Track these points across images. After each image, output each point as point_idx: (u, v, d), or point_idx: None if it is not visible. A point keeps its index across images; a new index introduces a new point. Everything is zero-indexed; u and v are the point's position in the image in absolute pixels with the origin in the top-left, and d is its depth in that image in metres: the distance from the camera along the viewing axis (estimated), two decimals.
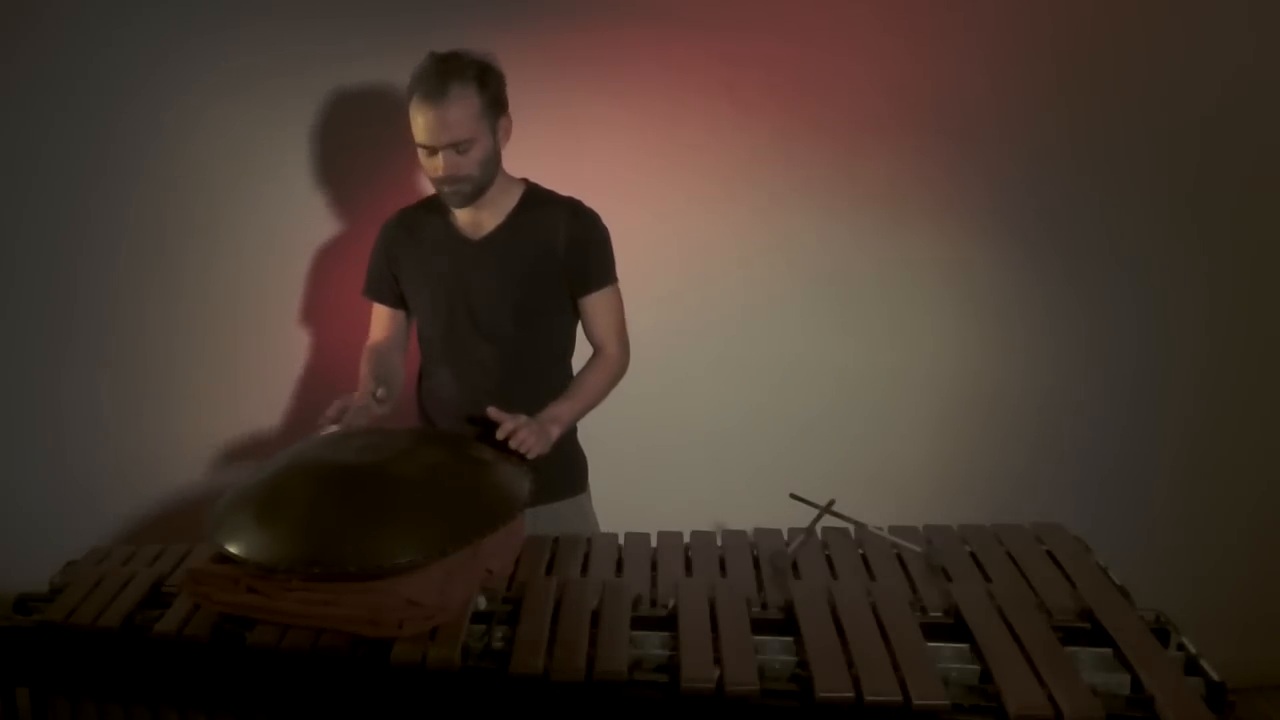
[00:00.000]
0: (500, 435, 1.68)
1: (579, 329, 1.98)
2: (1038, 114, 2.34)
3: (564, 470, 2.00)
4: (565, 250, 1.87)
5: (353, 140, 2.24)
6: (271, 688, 1.45)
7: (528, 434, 1.68)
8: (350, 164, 2.26)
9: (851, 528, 1.76)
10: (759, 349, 2.43)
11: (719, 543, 1.74)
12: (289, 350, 2.34)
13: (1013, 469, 2.49)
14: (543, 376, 1.95)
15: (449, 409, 1.96)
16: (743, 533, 1.78)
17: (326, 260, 2.31)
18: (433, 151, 1.77)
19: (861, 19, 2.27)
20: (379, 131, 2.23)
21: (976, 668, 1.33)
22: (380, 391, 1.79)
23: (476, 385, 1.91)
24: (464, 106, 1.74)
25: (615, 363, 1.93)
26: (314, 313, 2.34)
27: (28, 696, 1.60)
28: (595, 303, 1.92)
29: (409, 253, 1.95)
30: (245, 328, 2.32)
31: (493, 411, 1.70)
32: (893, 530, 1.74)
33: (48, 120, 2.18)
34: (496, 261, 1.88)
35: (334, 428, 1.73)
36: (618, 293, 1.94)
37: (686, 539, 1.76)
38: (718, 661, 1.34)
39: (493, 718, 1.38)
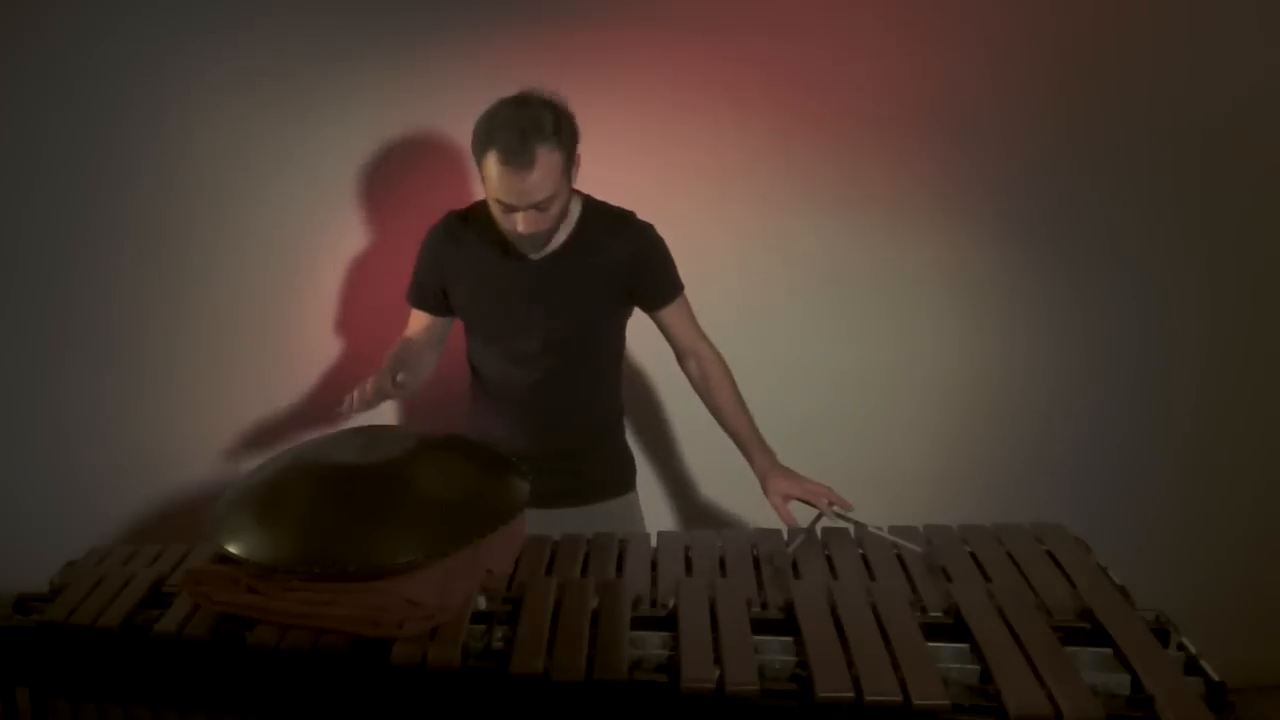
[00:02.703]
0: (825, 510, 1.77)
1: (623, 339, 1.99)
2: (1039, 114, 2.34)
3: (614, 469, 2.03)
4: (630, 269, 1.86)
5: (353, 139, 2.24)
6: (271, 688, 1.45)
7: (826, 496, 1.78)
8: (350, 163, 2.26)
9: (851, 528, 1.76)
10: (759, 349, 2.42)
11: (719, 543, 1.74)
12: (289, 350, 2.34)
13: (1013, 469, 2.50)
14: (597, 389, 1.97)
15: (504, 425, 1.94)
16: (743, 532, 1.78)
17: (327, 260, 2.31)
18: (511, 209, 1.71)
19: (862, 19, 2.27)
20: (380, 131, 2.24)
21: (976, 668, 1.33)
22: (401, 376, 1.69)
23: (533, 400, 1.91)
24: (548, 167, 1.67)
25: (720, 363, 1.95)
26: (314, 312, 2.34)
27: (28, 696, 1.59)
28: (673, 313, 1.92)
29: (462, 266, 1.89)
30: (246, 327, 2.32)
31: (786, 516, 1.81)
32: (892, 530, 1.74)
33: (47, 120, 2.18)
34: (558, 281, 1.85)
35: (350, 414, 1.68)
36: (685, 295, 1.95)
37: (686, 539, 1.76)
38: (718, 661, 1.33)
39: (493, 718, 1.38)
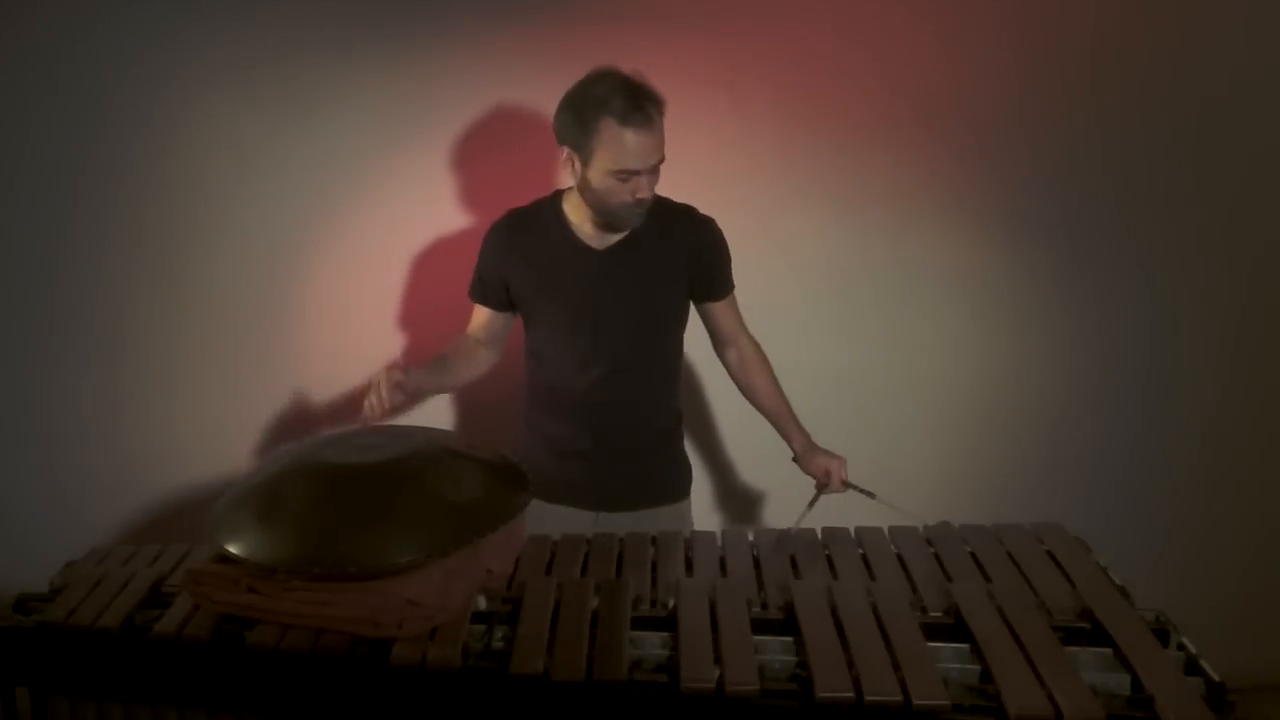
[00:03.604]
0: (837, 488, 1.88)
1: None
2: (1056, 113, 2.34)
3: (671, 474, 2.04)
4: (692, 260, 1.90)
5: (351, 133, 2.23)
6: (271, 688, 1.45)
7: (840, 473, 1.89)
8: (348, 158, 2.25)
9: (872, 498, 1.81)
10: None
11: (719, 543, 1.74)
12: (290, 349, 2.34)
13: (1028, 469, 2.50)
14: (657, 389, 1.98)
15: (564, 423, 1.94)
16: (743, 532, 1.78)
17: (326, 257, 2.31)
18: (633, 175, 1.74)
19: (866, 17, 2.27)
20: (378, 123, 2.23)
21: (976, 668, 1.33)
22: (399, 377, 1.77)
23: (594, 397, 1.91)
24: (660, 128, 1.75)
25: (759, 349, 2.01)
26: (314, 311, 2.34)
27: (28, 696, 1.59)
28: (724, 307, 1.97)
29: (527, 261, 1.90)
30: (246, 327, 2.31)
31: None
32: (894, 530, 1.75)
33: (32, 111, 2.15)
34: (624, 273, 1.87)
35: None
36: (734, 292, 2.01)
37: (686, 539, 1.75)
38: (718, 661, 1.34)
39: (493, 718, 1.38)
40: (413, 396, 1.80)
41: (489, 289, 1.96)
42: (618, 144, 1.71)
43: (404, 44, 2.19)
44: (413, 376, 1.81)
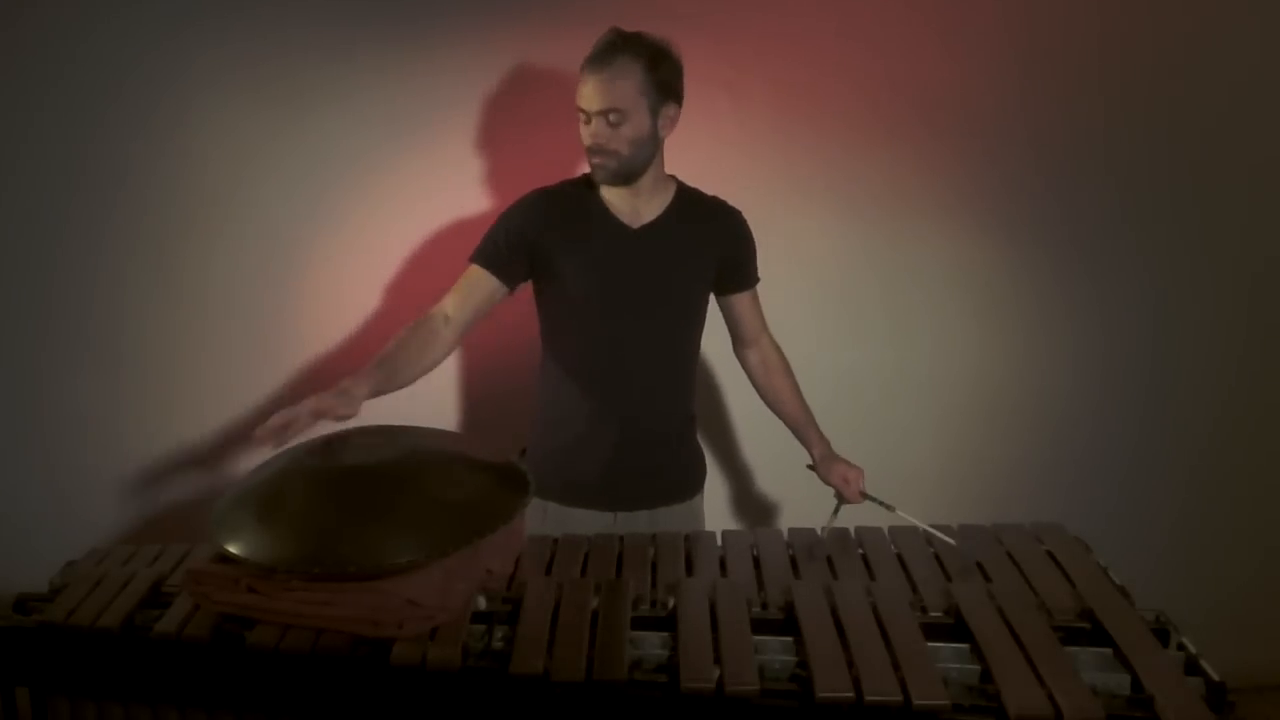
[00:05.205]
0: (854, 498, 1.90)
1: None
2: (1058, 113, 2.34)
3: (687, 470, 2.03)
4: (727, 248, 1.92)
5: (351, 133, 2.23)
6: (271, 688, 1.45)
7: (858, 484, 1.91)
8: (348, 157, 2.25)
9: (885, 512, 1.79)
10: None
11: (719, 543, 1.74)
12: (289, 349, 2.34)
13: (1030, 470, 2.50)
14: (677, 370, 1.96)
15: (584, 412, 1.91)
16: (743, 533, 1.78)
17: (326, 258, 2.31)
18: (588, 119, 1.77)
19: (868, 16, 2.27)
20: (378, 123, 2.23)
21: (976, 668, 1.33)
22: (346, 382, 1.61)
23: (615, 375, 1.89)
24: (625, 77, 1.74)
25: (781, 352, 2.04)
26: (315, 311, 2.34)
27: (28, 696, 1.59)
28: (748, 300, 1.99)
29: (560, 233, 1.86)
30: (246, 327, 2.31)
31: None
32: (892, 529, 1.75)
33: (34, 108, 2.14)
34: (657, 250, 1.87)
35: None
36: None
37: (687, 538, 1.75)
38: (718, 661, 1.34)
39: (493, 718, 1.38)
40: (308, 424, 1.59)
41: (506, 255, 1.84)
42: (579, 86, 1.77)
43: (404, 44, 2.19)
44: (357, 392, 1.62)
